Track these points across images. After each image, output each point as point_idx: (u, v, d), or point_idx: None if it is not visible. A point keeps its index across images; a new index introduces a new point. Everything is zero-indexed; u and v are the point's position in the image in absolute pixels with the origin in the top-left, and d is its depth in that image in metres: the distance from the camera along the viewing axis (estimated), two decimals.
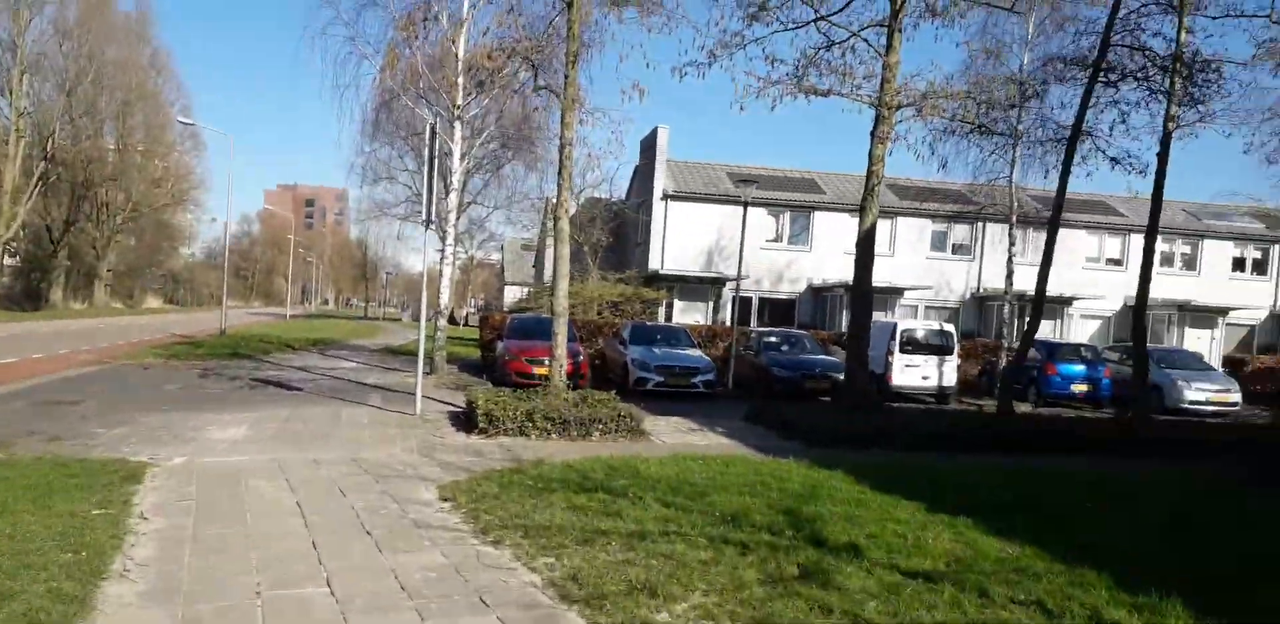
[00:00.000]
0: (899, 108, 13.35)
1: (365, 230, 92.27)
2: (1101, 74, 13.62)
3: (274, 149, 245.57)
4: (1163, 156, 14.70)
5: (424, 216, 13.27)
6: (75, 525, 6.09)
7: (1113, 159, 15.00)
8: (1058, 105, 14.59)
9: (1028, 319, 14.44)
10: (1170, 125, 14.60)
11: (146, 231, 79.16)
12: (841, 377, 19.04)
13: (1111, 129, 14.56)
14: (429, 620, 4.62)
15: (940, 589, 5.06)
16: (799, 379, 19.00)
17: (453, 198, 21.09)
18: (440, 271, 20.43)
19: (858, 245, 14.47)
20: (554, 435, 11.28)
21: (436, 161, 13.02)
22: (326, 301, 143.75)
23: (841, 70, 13.15)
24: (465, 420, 12.34)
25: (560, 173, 13.50)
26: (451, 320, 66.26)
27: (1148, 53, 13.99)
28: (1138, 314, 14.92)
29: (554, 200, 36.14)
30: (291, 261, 75.41)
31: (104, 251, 65.11)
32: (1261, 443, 11.12)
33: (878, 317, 29.46)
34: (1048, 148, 21.10)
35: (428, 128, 13.36)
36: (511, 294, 60.45)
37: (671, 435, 12.13)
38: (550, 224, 37.27)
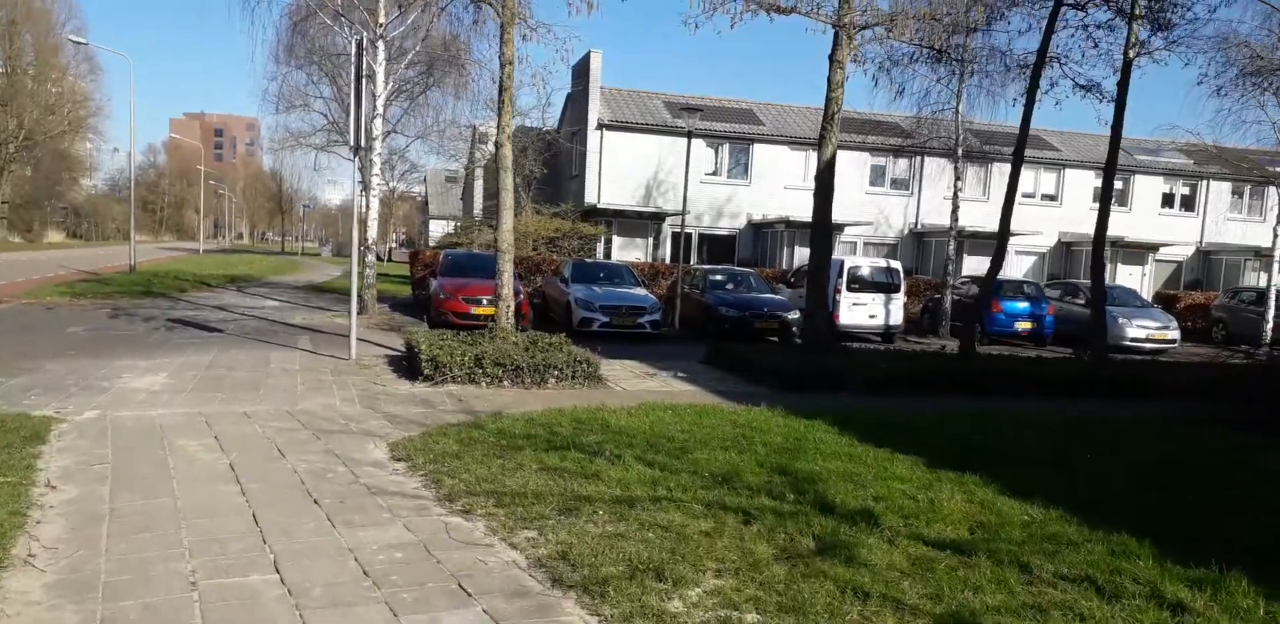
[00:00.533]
0: (863, 28, 12.57)
1: (279, 161, 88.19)
2: None
3: (178, 76, 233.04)
4: (1123, 86, 14.28)
5: (351, 142, 12.14)
6: None
7: (1083, 86, 14.49)
8: (1011, 33, 13.91)
9: (990, 258, 14.04)
10: (1131, 53, 14.15)
11: (43, 162, 74.47)
12: (791, 316, 18.68)
13: (1083, 54, 14.00)
14: (403, 617, 3.93)
15: (976, 563, 4.55)
16: (748, 319, 18.50)
17: (377, 124, 19.74)
18: (366, 204, 19.19)
19: (817, 177, 13.83)
20: (506, 383, 10.54)
21: (364, 82, 11.83)
22: (241, 236, 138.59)
23: None
24: (407, 366, 11.50)
25: (500, 94, 12.46)
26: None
27: None
28: (1096, 251, 14.68)
29: (481, 130, 34.68)
30: (203, 194, 71.89)
31: None
32: (1226, 384, 11.00)
33: None
34: (996, 78, 20.67)
35: (353, 43, 12.13)
36: (437, 228, 58.57)
37: (630, 381, 11.49)
38: (480, 155, 35.74)
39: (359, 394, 9.59)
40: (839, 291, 19.31)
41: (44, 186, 78.38)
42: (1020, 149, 13.86)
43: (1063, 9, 13.13)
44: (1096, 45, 13.79)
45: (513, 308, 12.70)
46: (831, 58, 13.34)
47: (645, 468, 6.26)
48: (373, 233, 19.15)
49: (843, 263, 19.87)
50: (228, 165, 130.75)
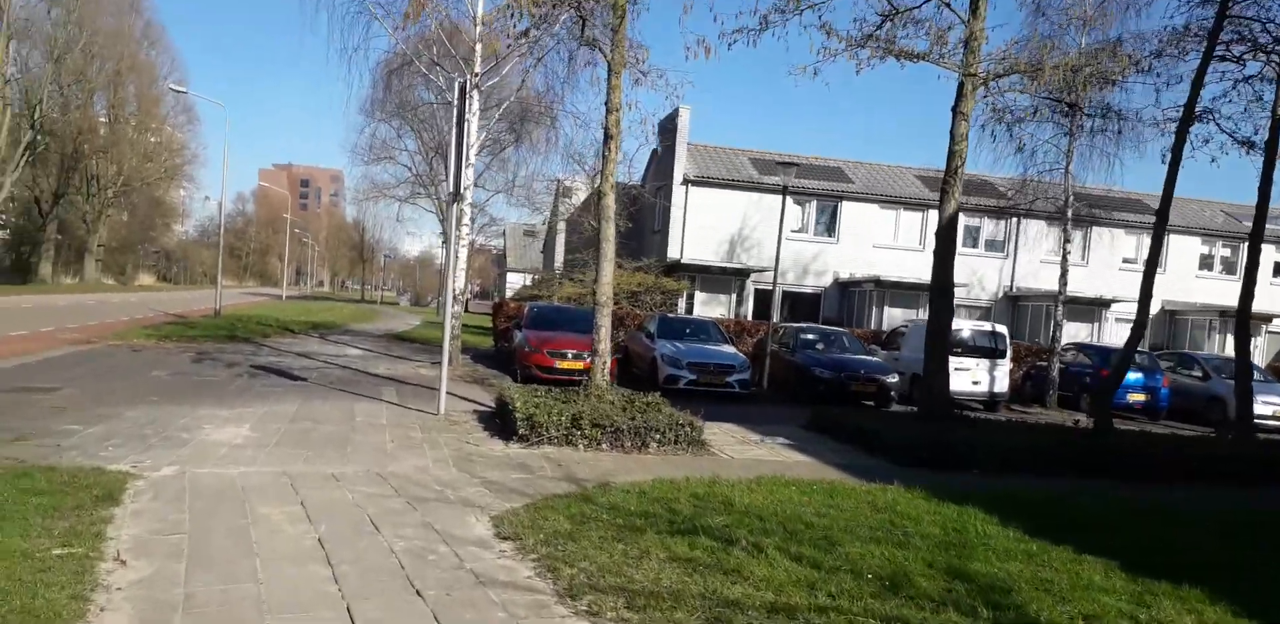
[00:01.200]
0: (998, 77, 11.74)
1: (363, 212, 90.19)
2: (1220, 46, 12.00)
3: (269, 129, 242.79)
4: (1271, 145, 13.15)
5: (450, 188, 11.63)
6: (27, 576, 4.48)
7: (1243, 142, 13.38)
8: (1155, 83, 12.84)
9: (1130, 328, 12.81)
10: None
11: (139, 207, 77.21)
12: (889, 379, 17.57)
13: (1246, 108, 12.93)
14: None
15: None
16: (843, 381, 17.43)
17: (469, 173, 19.44)
18: (456, 254, 18.78)
19: (937, 234, 12.92)
20: (605, 446, 9.69)
21: (465, 125, 11.35)
22: (322, 283, 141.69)
23: (934, 32, 11.49)
24: (499, 424, 10.74)
25: (606, 142, 11.88)
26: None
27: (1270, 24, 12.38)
28: (1241, 321, 13.39)
29: (566, 184, 34.56)
30: (288, 242, 73.46)
31: (95, 226, 63.14)
32: None
33: (909, 316, 27.98)
34: (1111, 138, 19.54)
35: (456, 85, 11.69)
36: (514, 281, 58.72)
37: (734, 448, 10.55)
38: (563, 209, 35.56)
39: (452, 455, 8.82)
40: None
41: (138, 231, 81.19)
42: (1164, 211, 12.78)
43: (1212, 62, 12.12)
44: (1260, 97, 12.71)
45: (609, 364, 11.92)
46: (955, 109, 12.54)
47: (793, 564, 5.31)
48: (460, 284, 18.67)
49: None
50: (312, 215, 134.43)
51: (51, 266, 59.43)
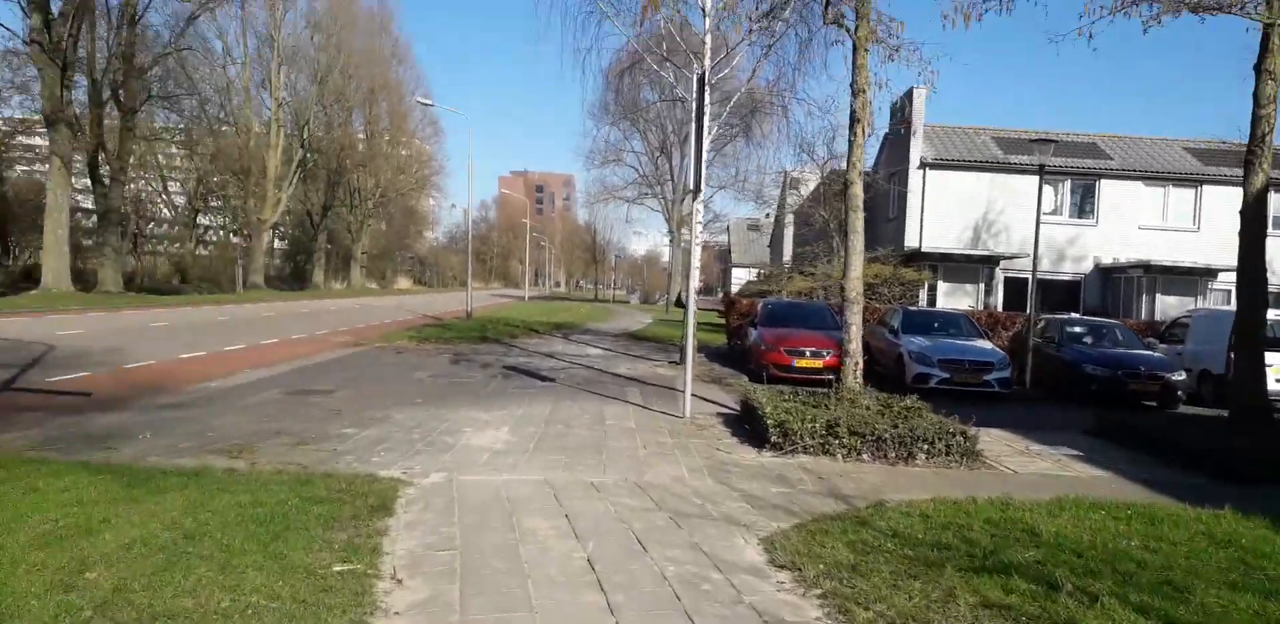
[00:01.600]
0: None
1: (594, 214, 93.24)
2: None
3: (506, 138, 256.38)
4: None
5: (691, 184, 11.22)
6: (310, 596, 4.42)
7: None
8: None
9: None
10: None
11: (395, 217, 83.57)
12: (1175, 377, 15.55)
13: None
14: None
15: None
16: (1120, 380, 15.59)
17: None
18: (690, 252, 18.49)
19: (1242, 214, 11.10)
20: (864, 456, 8.94)
21: (704, 118, 10.89)
22: (558, 284, 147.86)
23: None
24: (746, 430, 10.25)
25: (852, 126, 11.11)
26: (679, 303, 65.18)
27: None
28: None
29: (793, 175, 33.68)
30: (528, 246, 76.93)
31: (358, 235, 68.85)
32: None
33: (1186, 304, 24.93)
34: None
35: (695, 79, 11.26)
36: (739, 276, 58.41)
37: (1014, 460, 9.47)
38: (792, 201, 34.69)
39: (705, 464, 8.40)
40: None
41: (395, 239, 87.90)
42: None
43: None
44: None
45: (860, 365, 11.12)
46: (1259, 68, 10.73)
47: (1141, 618, 4.40)
48: (695, 282, 18.38)
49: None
50: (547, 219, 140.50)
51: (323, 273, 65.37)
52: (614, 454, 8.68)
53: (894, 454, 8.95)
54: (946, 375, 15.60)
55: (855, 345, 10.99)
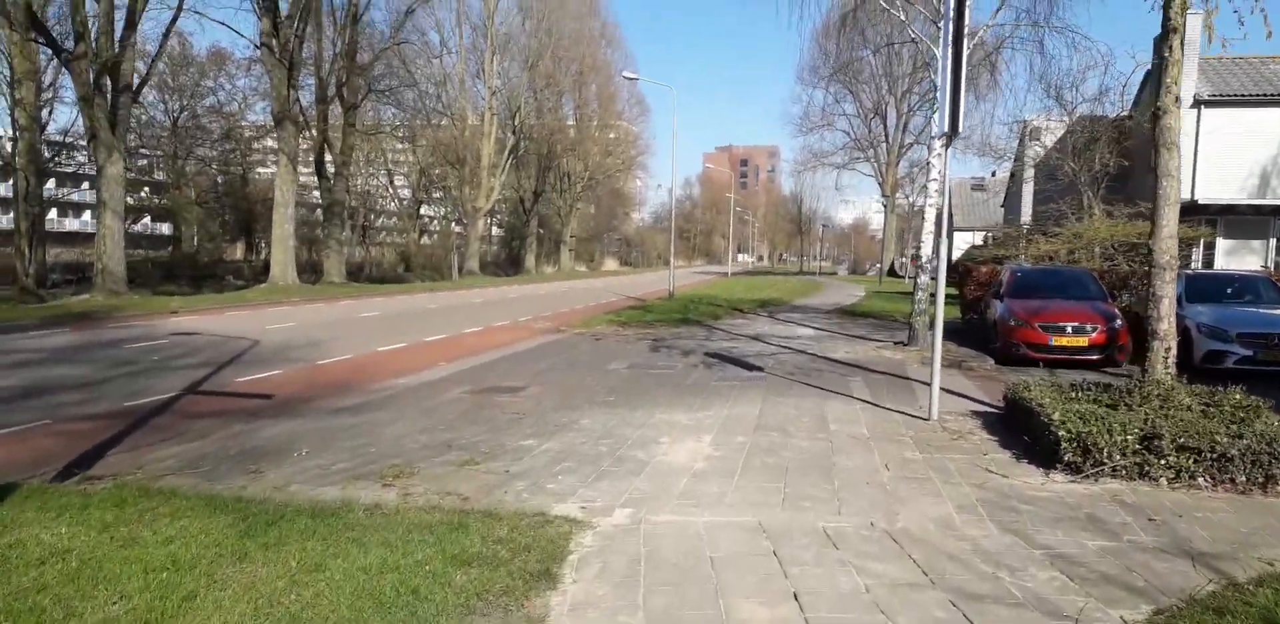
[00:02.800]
0: None
1: (800, 183, 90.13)
2: None
3: (710, 114, 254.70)
4: None
5: (945, 127, 8.81)
6: None
7: None
8: None
9: None
10: None
11: (603, 199, 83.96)
12: None
13: None
14: None
15: None
16: None
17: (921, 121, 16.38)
18: (923, 214, 15.89)
19: None
20: (1199, 479, 6.43)
21: (963, 43, 8.47)
22: (761, 258, 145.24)
23: None
24: (1017, 436, 7.89)
25: (1164, 39, 8.46)
26: (892, 273, 61.16)
27: None
28: None
29: (1033, 124, 29.67)
30: (731, 221, 74.99)
31: (567, 219, 69.38)
32: None
33: None
34: None
35: None
36: (961, 241, 53.78)
37: None
38: (1032, 154, 30.62)
39: (978, 496, 6.20)
40: None
41: (603, 221, 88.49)
42: None
43: None
44: None
45: (1173, 350, 8.45)
46: None
47: None
48: (927, 248, 15.81)
49: None
50: (751, 193, 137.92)
51: (534, 257, 66.33)
52: (848, 479, 6.64)
53: (1245, 478, 6.39)
54: (1249, 353, 12.48)
55: (1167, 324, 8.39)
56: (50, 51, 26.39)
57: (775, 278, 61.54)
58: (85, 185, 60.94)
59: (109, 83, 24.97)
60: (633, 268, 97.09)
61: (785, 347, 16.04)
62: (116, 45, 24.79)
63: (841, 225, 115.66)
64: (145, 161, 49.31)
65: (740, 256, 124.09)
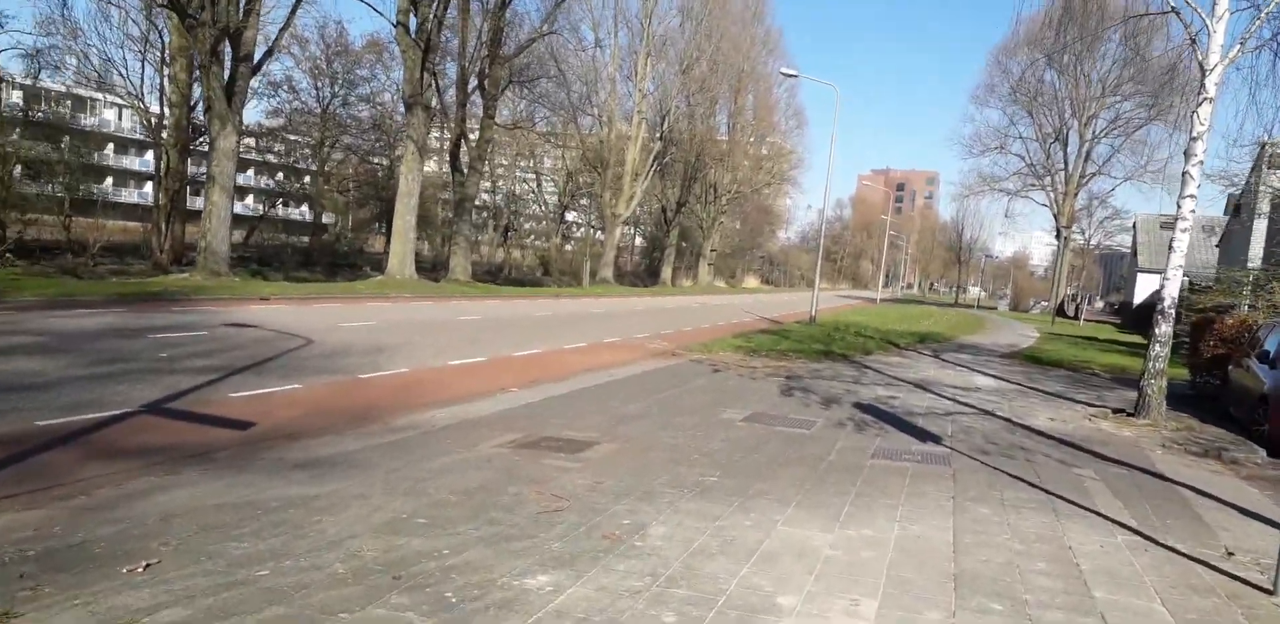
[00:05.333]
0: None
1: (962, 209, 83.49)
2: None
3: (867, 137, 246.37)
4: None
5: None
6: None
7: None
8: None
9: None
10: None
11: (750, 215, 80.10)
12: None
13: None
14: None
15: None
16: None
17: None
18: (1170, 245, 11.49)
19: None
20: None
21: None
22: (910, 286, 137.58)
23: None
24: None
25: None
26: (1061, 312, 54.63)
27: None
28: None
29: (1273, 149, 24.07)
30: (885, 244, 69.65)
31: (709, 232, 65.86)
32: None
33: None
34: None
35: None
36: (1145, 284, 46.93)
37: None
38: (1267, 187, 24.95)
39: None
40: None
41: (748, 237, 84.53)
42: None
43: None
44: None
45: None
46: None
47: None
48: (1172, 288, 11.39)
49: None
50: (905, 218, 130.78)
51: (671, 270, 63.06)
52: None
53: None
54: None
55: None
56: (176, 17, 24.94)
57: (930, 308, 56.04)
58: (250, 170, 62.06)
59: (230, 52, 23.25)
60: (774, 287, 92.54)
61: (963, 403, 11.97)
62: (241, 12, 23.05)
63: (999, 258, 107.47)
64: (283, 147, 48.81)
65: (888, 283, 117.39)
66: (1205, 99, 10.72)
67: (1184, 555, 5.49)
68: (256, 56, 25.90)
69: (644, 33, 49.02)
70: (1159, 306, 11.42)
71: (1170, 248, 11.29)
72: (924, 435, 9.22)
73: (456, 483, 6.02)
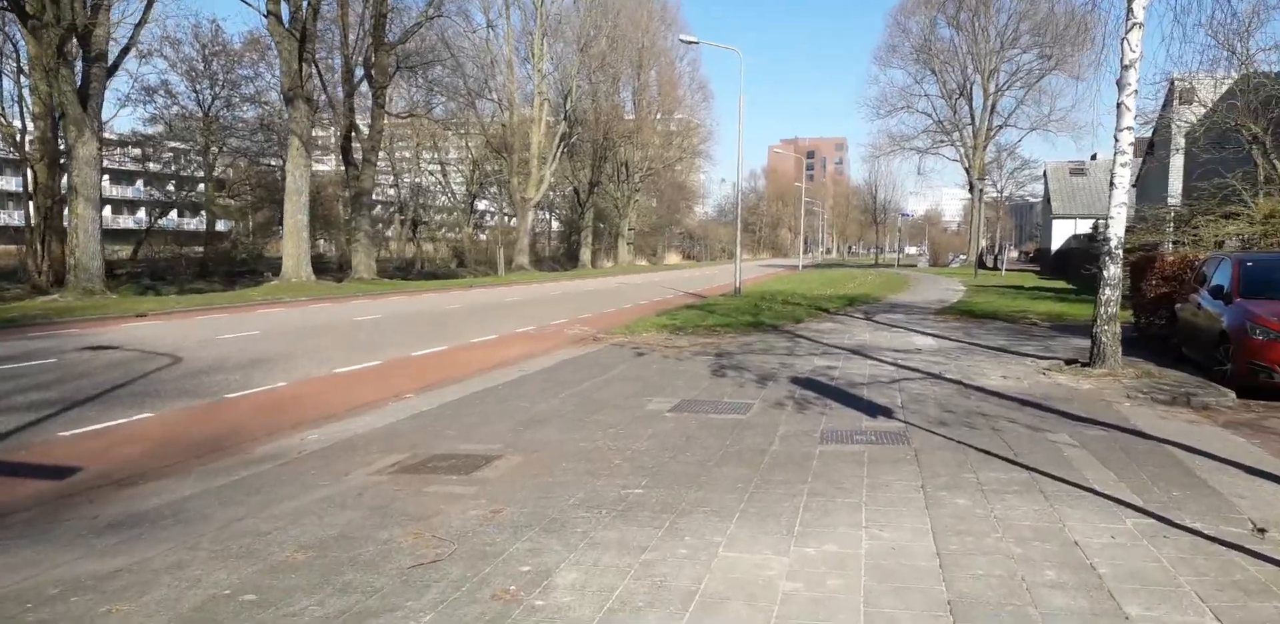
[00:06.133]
0: None
1: (874, 171, 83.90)
2: None
3: (775, 108, 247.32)
4: None
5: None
6: None
7: None
8: None
9: None
10: None
11: (665, 192, 79.07)
12: None
13: None
14: None
15: None
16: None
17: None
18: (1110, 180, 10.68)
19: None
20: None
21: None
22: (828, 251, 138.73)
23: None
24: None
25: None
26: (982, 264, 55.05)
27: None
28: None
29: (1182, 84, 23.88)
30: (801, 211, 69.40)
31: (625, 211, 64.66)
32: None
33: None
34: None
35: None
36: (1061, 230, 47.48)
37: None
38: (1182, 121, 24.69)
39: None
40: None
41: (665, 215, 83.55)
42: None
43: None
44: None
45: None
46: None
47: None
48: (1116, 227, 10.58)
49: None
50: (818, 185, 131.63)
51: (590, 252, 61.72)
52: None
53: None
54: None
55: None
56: (14, 17, 22.48)
57: (852, 271, 55.89)
58: (140, 182, 58.44)
59: (80, 53, 20.98)
60: (695, 262, 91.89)
61: (907, 367, 11.03)
62: (89, 9, 20.79)
63: (914, 216, 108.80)
64: (171, 155, 45.90)
65: (808, 250, 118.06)
66: (1135, 24, 9.85)
67: (1210, 539, 4.51)
68: (113, 56, 23.59)
69: (537, 13, 47.21)
70: (1105, 248, 10.60)
71: (1111, 184, 10.46)
72: (873, 409, 8.19)
73: (310, 533, 4.70)
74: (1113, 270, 10.54)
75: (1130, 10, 9.81)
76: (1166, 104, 22.96)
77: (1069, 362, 11.29)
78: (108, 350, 12.71)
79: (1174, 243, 19.77)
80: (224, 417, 8.26)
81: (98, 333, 15.38)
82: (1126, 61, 9.95)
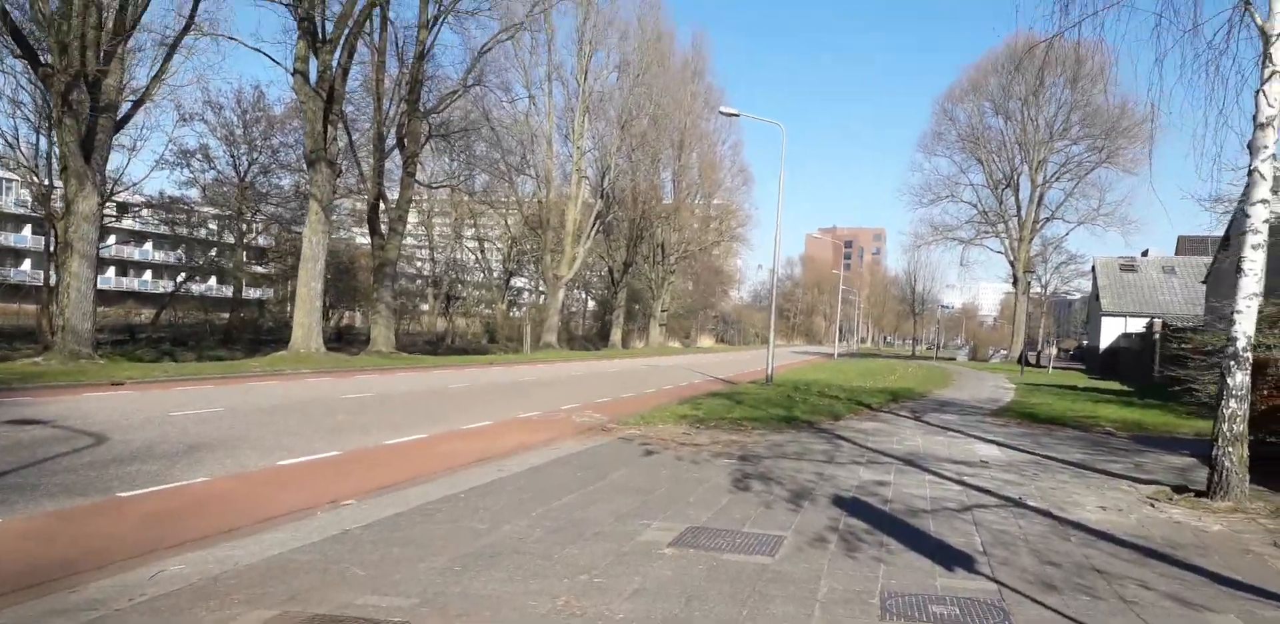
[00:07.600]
0: None
1: (914, 261, 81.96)
2: None
3: (814, 198, 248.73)
4: None
5: None
6: None
7: None
8: None
9: None
10: None
11: (700, 275, 77.73)
12: None
13: None
14: None
15: None
16: None
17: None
18: (1239, 267, 8.58)
19: None
20: None
21: None
22: (863, 340, 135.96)
23: None
24: None
25: None
26: (1023, 361, 52.22)
27: None
28: None
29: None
30: (839, 297, 67.35)
31: (658, 292, 63.05)
32: None
33: None
34: None
35: None
36: (1110, 327, 44.81)
37: None
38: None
39: None
40: None
41: (700, 298, 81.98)
42: None
43: None
44: None
45: None
46: None
47: None
48: (1245, 324, 8.41)
49: None
50: (855, 274, 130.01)
51: (621, 332, 59.91)
52: None
53: None
54: None
55: None
56: (27, 65, 21.69)
57: (890, 362, 53.29)
58: (177, 246, 58.09)
59: (89, 102, 20.00)
60: (729, 345, 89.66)
61: (975, 487, 8.77)
62: (102, 58, 19.90)
63: (953, 308, 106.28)
64: (198, 218, 45.37)
65: (842, 338, 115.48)
66: (1274, 73, 7.95)
67: None
68: (125, 108, 22.73)
69: (580, 89, 46.82)
70: (1229, 350, 8.41)
71: (1239, 270, 8.38)
72: (947, 556, 5.96)
73: None
74: (1239, 378, 8.33)
75: (1268, 56, 7.92)
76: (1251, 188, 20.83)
77: (1178, 489, 8.97)
78: (30, 426, 10.83)
79: (1268, 346, 17.34)
80: (90, 527, 6.25)
81: (46, 403, 13.56)
82: (1263, 119, 8.01)
